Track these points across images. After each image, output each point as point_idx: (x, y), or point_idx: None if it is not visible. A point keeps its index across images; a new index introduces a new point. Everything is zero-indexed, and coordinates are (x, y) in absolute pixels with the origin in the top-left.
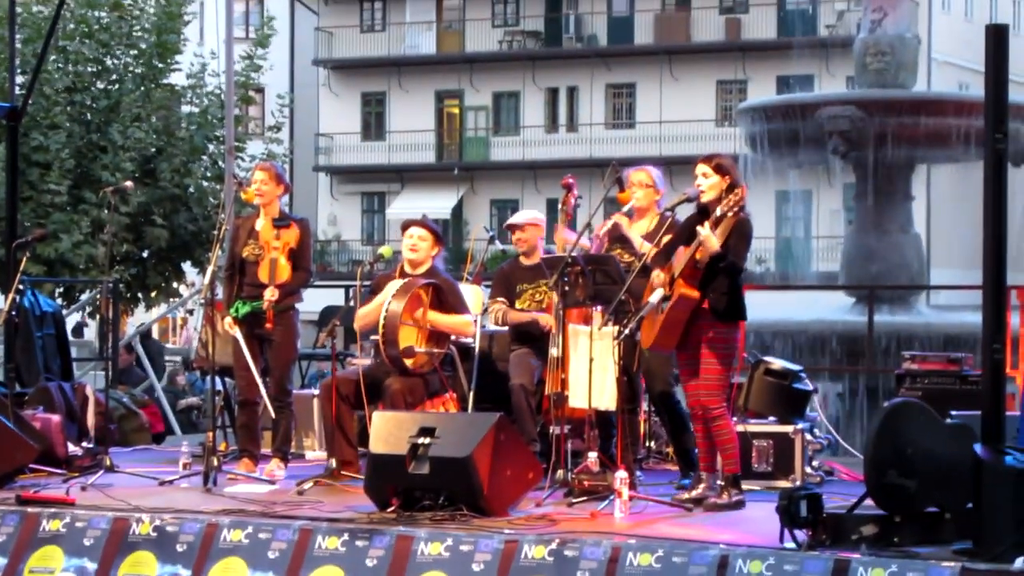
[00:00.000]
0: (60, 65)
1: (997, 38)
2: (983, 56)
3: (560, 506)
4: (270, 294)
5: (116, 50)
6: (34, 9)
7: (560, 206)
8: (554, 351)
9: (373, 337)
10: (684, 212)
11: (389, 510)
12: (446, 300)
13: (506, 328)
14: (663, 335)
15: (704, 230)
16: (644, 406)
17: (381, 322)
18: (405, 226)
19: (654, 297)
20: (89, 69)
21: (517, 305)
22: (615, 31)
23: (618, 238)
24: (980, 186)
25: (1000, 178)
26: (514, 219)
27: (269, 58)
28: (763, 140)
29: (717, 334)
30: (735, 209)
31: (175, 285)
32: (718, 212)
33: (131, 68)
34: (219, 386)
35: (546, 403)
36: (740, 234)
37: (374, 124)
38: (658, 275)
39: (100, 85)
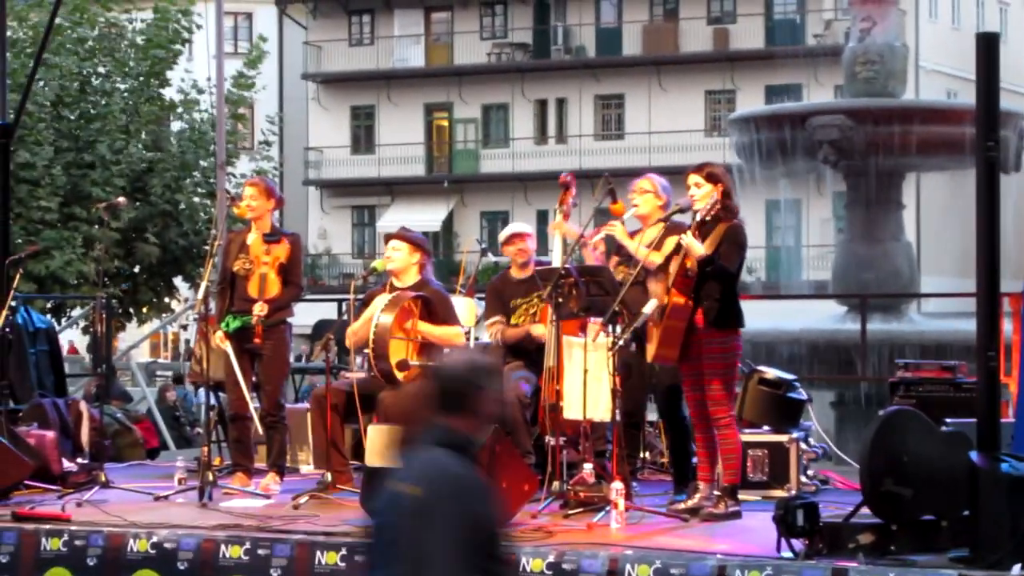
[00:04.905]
0: (45, 80)
1: (988, 46)
2: (970, 64)
3: (556, 518)
4: (258, 309)
5: (101, 65)
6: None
7: (558, 204)
8: (549, 361)
9: (366, 351)
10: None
11: None
12: (436, 312)
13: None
14: (662, 346)
15: (687, 237)
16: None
17: (371, 336)
18: (386, 240)
19: (647, 308)
20: (75, 85)
21: (512, 321)
22: (603, 42)
23: (618, 249)
24: (970, 194)
25: (992, 186)
26: (515, 228)
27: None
28: (753, 150)
29: (713, 343)
30: (715, 211)
31: (167, 300)
32: (697, 218)
33: (117, 82)
34: (213, 401)
35: (542, 414)
36: (732, 240)
37: (363, 137)
38: (655, 287)
39: (88, 99)
